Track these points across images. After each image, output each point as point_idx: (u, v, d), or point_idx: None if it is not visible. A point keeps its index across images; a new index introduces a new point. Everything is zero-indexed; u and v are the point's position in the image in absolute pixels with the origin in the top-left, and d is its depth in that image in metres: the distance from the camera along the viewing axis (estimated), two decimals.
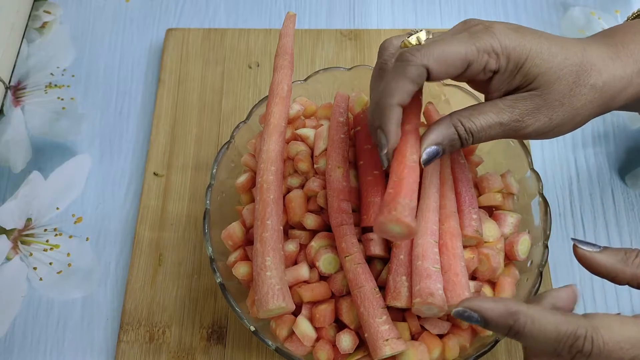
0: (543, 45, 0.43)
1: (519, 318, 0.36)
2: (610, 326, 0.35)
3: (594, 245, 0.40)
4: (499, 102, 0.44)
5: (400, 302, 0.46)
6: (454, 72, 0.42)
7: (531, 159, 0.55)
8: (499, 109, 0.44)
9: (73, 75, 0.72)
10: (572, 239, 0.41)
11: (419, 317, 0.48)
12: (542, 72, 0.42)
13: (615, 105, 0.45)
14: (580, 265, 0.41)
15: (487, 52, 0.42)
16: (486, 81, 0.44)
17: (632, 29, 0.47)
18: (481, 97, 0.57)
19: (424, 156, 0.43)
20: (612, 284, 0.41)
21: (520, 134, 0.44)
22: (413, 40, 0.44)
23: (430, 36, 0.45)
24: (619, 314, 0.38)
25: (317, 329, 0.49)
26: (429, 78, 0.42)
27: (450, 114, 0.44)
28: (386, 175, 0.52)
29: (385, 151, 0.43)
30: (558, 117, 0.44)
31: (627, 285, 0.40)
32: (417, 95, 0.47)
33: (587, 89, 0.43)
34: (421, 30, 0.45)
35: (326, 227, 0.52)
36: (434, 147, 0.43)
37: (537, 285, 0.49)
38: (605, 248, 0.40)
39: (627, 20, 0.57)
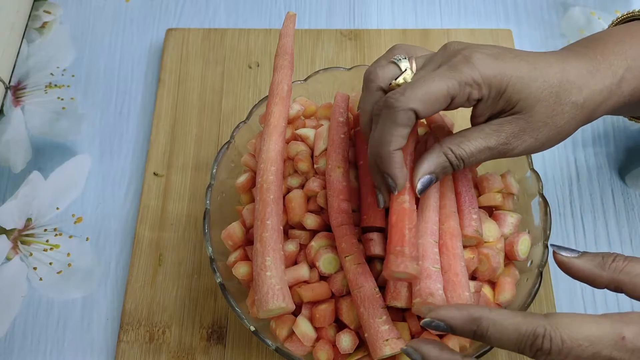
0: (523, 69, 0.44)
1: (481, 323, 0.37)
2: (569, 324, 0.36)
3: (572, 250, 0.41)
4: (485, 127, 0.45)
5: (400, 302, 0.46)
6: (439, 107, 0.43)
7: (531, 159, 0.55)
8: (486, 134, 0.45)
9: (73, 75, 0.72)
10: (551, 245, 0.42)
11: (419, 317, 0.48)
12: (523, 97, 0.44)
13: (598, 116, 0.47)
14: None
15: (469, 85, 0.43)
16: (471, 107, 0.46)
17: (613, 38, 0.48)
18: None
19: (419, 186, 0.45)
20: None
21: (508, 155, 0.46)
22: (400, 81, 0.46)
23: (414, 66, 0.46)
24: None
25: (317, 329, 0.49)
26: (417, 118, 0.44)
27: (440, 143, 0.46)
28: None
29: (395, 193, 0.45)
30: (543, 137, 0.45)
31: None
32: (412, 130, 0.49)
33: (569, 107, 0.45)
34: (405, 62, 0.46)
35: (326, 227, 0.52)
36: (427, 177, 0.45)
37: (537, 285, 0.49)
38: (584, 253, 0.41)
39: (611, 24, 0.57)
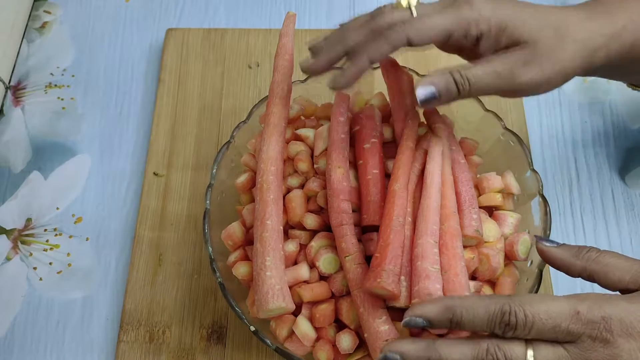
0: (522, 11, 0.46)
1: (455, 310, 0.40)
2: (531, 301, 0.39)
3: (553, 241, 0.44)
4: (492, 56, 0.47)
5: (400, 302, 0.46)
6: (435, 39, 0.46)
7: (531, 159, 0.55)
8: (493, 60, 0.46)
9: (73, 75, 0.72)
10: (535, 236, 0.46)
11: None
12: (525, 32, 0.46)
13: (600, 60, 0.48)
14: None
15: (467, 21, 0.46)
16: (475, 48, 0.47)
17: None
18: (483, 99, 0.57)
19: (420, 93, 0.46)
20: (612, 285, 0.42)
21: (515, 85, 0.46)
22: (404, 3, 0.48)
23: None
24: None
25: (317, 329, 0.49)
26: (411, 45, 0.46)
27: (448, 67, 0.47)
28: (387, 175, 0.52)
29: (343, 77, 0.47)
30: (548, 69, 0.46)
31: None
32: (410, 154, 0.51)
33: (570, 43, 0.46)
34: None
35: (326, 227, 0.52)
36: (430, 88, 0.46)
37: (537, 285, 0.49)
38: (563, 244, 0.44)
39: None
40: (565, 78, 0.48)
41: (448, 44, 0.48)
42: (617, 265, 0.41)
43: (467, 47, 0.48)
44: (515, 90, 0.47)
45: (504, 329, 0.39)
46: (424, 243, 0.47)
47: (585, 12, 0.48)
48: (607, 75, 0.53)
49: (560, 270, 0.44)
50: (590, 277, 0.42)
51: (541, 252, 0.44)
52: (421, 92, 0.46)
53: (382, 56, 0.46)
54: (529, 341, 0.39)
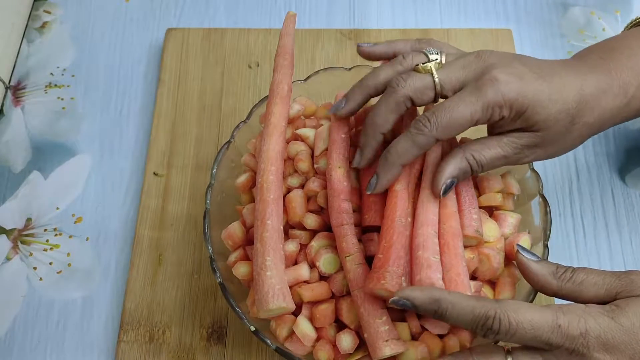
0: (544, 92, 0.47)
1: (441, 304, 0.42)
2: (516, 309, 0.41)
3: (534, 254, 0.46)
4: (504, 137, 0.48)
5: None
6: (461, 132, 0.47)
7: None
8: (504, 143, 0.48)
9: (73, 75, 0.72)
10: (517, 245, 0.46)
11: (419, 317, 0.48)
12: (542, 119, 0.47)
13: (604, 130, 0.51)
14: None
15: (492, 107, 0.46)
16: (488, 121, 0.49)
17: (626, 50, 0.50)
18: None
19: (443, 189, 0.48)
20: (589, 301, 0.44)
21: (518, 163, 0.50)
22: (427, 67, 0.48)
23: (444, 59, 0.49)
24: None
25: (317, 329, 0.49)
26: (437, 141, 0.48)
27: (462, 148, 0.49)
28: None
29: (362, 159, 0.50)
30: (552, 150, 0.49)
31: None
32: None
33: (580, 126, 0.48)
34: (435, 55, 0.49)
35: (326, 227, 0.52)
36: (450, 180, 0.48)
37: None
38: (542, 260, 0.45)
39: (626, 27, 0.58)
40: (566, 152, 0.50)
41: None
42: (590, 281, 0.43)
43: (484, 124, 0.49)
44: (518, 164, 0.51)
45: (486, 332, 0.41)
46: (424, 233, 0.47)
47: (599, 81, 0.48)
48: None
49: (535, 287, 0.46)
50: (566, 297, 0.44)
51: (520, 264, 0.46)
52: (441, 182, 0.48)
53: (413, 158, 0.48)
54: (509, 352, 0.42)
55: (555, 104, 0.47)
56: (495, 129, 0.49)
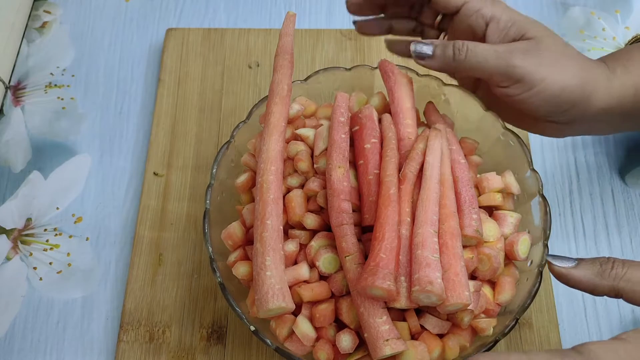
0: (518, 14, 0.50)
1: None
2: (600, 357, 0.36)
3: (569, 259, 0.42)
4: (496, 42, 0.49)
5: (400, 303, 0.46)
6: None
7: (531, 159, 0.55)
8: (495, 43, 0.48)
9: (73, 75, 0.72)
10: (548, 255, 0.43)
11: (418, 317, 0.48)
12: (534, 28, 0.48)
13: (600, 96, 0.49)
14: None
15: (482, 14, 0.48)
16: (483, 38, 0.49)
17: (624, 56, 0.51)
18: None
19: (417, 46, 0.47)
20: None
21: (509, 68, 0.47)
22: None
23: None
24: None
25: (317, 329, 0.49)
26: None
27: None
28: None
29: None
30: (545, 66, 0.47)
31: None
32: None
33: (573, 62, 0.48)
34: None
35: (326, 227, 0.52)
36: (428, 45, 0.48)
37: (537, 285, 0.49)
38: (580, 261, 0.42)
39: (627, 44, 0.59)
40: (558, 86, 0.47)
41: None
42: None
43: (475, 32, 0.48)
44: (509, 77, 0.47)
45: None
46: (424, 232, 0.47)
47: (590, 62, 0.49)
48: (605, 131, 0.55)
49: (583, 291, 0.42)
50: (617, 296, 0.41)
51: (559, 276, 0.42)
52: (418, 46, 0.47)
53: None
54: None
55: (553, 36, 0.49)
56: (489, 42, 0.49)
